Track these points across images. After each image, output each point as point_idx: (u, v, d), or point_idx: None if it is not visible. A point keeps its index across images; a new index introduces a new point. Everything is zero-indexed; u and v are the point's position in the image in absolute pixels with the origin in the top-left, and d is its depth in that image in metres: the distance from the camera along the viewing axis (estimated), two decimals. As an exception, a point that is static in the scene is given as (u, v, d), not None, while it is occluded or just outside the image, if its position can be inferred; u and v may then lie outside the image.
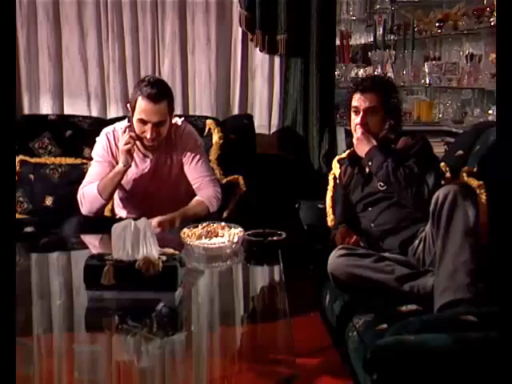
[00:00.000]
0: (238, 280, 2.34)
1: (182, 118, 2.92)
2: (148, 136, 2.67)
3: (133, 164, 2.79)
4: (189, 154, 2.81)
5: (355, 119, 2.55)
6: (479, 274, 2.07)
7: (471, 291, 2.03)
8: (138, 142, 2.73)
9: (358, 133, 2.54)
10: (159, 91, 2.65)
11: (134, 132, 2.70)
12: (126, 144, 2.68)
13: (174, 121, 2.86)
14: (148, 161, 2.82)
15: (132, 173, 2.82)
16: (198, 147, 2.84)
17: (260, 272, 2.41)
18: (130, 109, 2.74)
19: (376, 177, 2.51)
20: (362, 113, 2.53)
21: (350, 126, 2.65)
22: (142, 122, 2.66)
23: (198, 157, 2.82)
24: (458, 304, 2.01)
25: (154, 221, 2.50)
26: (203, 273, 2.29)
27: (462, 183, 2.49)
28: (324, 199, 2.98)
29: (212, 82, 3.71)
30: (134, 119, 2.69)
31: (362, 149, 2.53)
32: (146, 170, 2.83)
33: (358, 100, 2.54)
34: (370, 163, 2.51)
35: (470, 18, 3.74)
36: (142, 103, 2.65)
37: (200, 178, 2.81)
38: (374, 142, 2.51)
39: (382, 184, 2.51)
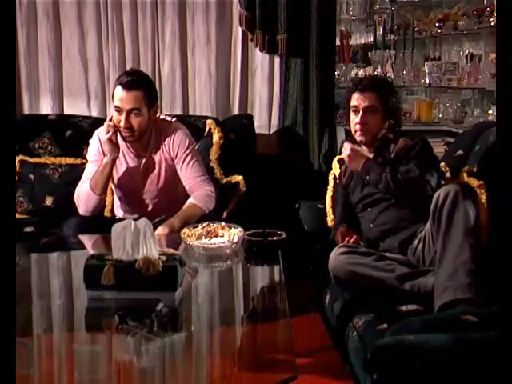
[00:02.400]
0: (238, 280, 2.34)
1: (174, 119, 2.92)
2: (122, 125, 2.67)
3: (123, 162, 2.80)
4: (180, 154, 2.79)
5: (354, 119, 2.55)
6: (479, 273, 2.07)
7: (471, 291, 2.03)
8: (120, 141, 2.74)
9: (347, 149, 2.52)
10: (133, 79, 2.68)
11: (113, 121, 2.72)
12: (107, 133, 2.69)
13: (162, 117, 2.87)
14: (138, 160, 2.82)
15: (123, 171, 2.82)
16: (189, 147, 2.81)
17: (260, 272, 2.41)
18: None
19: (377, 189, 2.49)
20: (361, 112, 2.53)
21: (349, 126, 2.65)
22: (118, 110, 2.68)
23: (189, 157, 2.79)
24: (458, 304, 2.01)
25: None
26: (197, 271, 2.28)
27: (462, 183, 2.48)
28: (324, 199, 2.98)
29: (212, 82, 3.71)
30: (113, 109, 2.72)
31: (356, 165, 2.53)
32: (137, 169, 2.82)
33: (357, 99, 2.54)
34: (367, 177, 2.50)
35: (469, 17, 3.74)
36: (117, 91, 2.68)
37: (191, 178, 2.78)
38: (367, 154, 2.49)
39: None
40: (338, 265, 2.33)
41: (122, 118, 2.66)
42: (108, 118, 2.77)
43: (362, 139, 2.57)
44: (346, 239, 2.53)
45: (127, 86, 2.65)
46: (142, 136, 2.74)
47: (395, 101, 2.61)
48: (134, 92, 2.66)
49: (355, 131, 2.56)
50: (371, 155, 2.58)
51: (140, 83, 2.69)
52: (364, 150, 2.61)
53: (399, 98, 2.73)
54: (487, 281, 2.06)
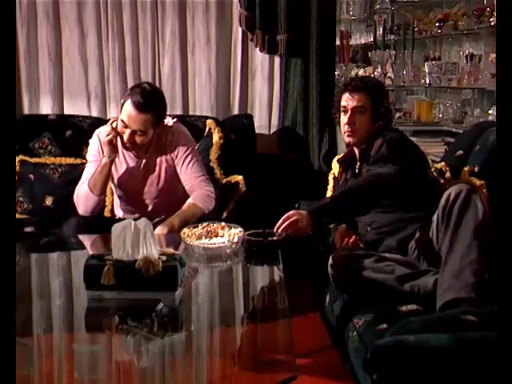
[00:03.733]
0: (238, 280, 2.34)
1: (175, 119, 2.91)
2: (125, 139, 2.68)
3: (123, 162, 2.81)
4: (180, 155, 2.79)
5: (343, 119, 2.54)
6: (483, 274, 2.07)
7: (475, 291, 2.02)
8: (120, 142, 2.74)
9: (280, 227, 2.30)
10: (146, 102, 2.64)
11: (116, 126, 2.71)
12: (108, 135, 2.70)
13: (165, 121, 2.84)
14: (138, 160, 2.82)
15: (123, 171, 2.82)
16: (189, 148, 2.81)
17: (260, 272, 2.40)
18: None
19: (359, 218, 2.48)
20: (349, 112, 2.51)
21: (339, 127, 2.64)
22: (124, 124, 2.67)
23: (189, 158, 2.79)
24: (461, 303, 2.01)
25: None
26: (197, 271, 2.28)
27: (471, 182, 2.46)
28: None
29: (212, 82, 3.72)
30: (119, 117, 2.71)
31: (305, 228, 2.33)
32: (137, 170, 2.82)
33: (346, 100, 2.53)
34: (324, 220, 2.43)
35: (469, 17, 3.74)
36: (127, 107, 2.65)
37: (191, 179, 2.79)
38: (303, 215, 2.33)
39: None
40: (337, 267, 2.32)
41: (126, 133, 2.67)
42: (110, 121, 2.76)
43: (350, 140, 2.56)
44: (346, 240, 2.52)
45: (138, 108, 2.62)
46: (141, 146, 2.75)
47: (385, 102, 2.58)
48: (144, 115, 2.64)
49: (344, 132, 2.56)
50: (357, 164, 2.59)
51: (152, 106, 2.66)
52: (355, 150, 2.61)
53: (390, 99, 2.69)
54: (488, 280, 2.06)
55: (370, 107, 2.51)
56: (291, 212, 2.34)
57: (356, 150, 2.60)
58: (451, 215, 2.12)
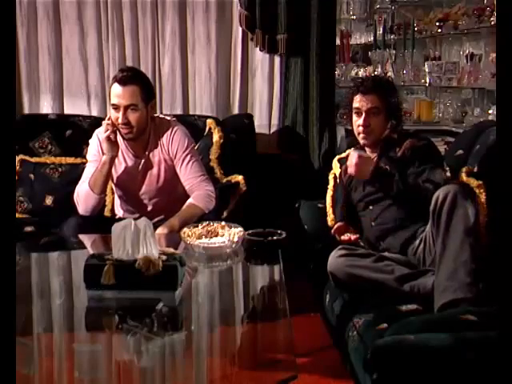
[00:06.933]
0: (238, 280, 2.34)
1: (174, 118, 2.92)
2: (119, 121, 2.67)
3: (122, 162, 2.80)
4: (179, 155, 2.79)
5: (357, 120, 2.54)
6: (479, 273, 2.07)
7: (471, 291, 2.04)
8: (120, 140, 2.74)
9: (354, 157, 2.42)
10: (129, 75, 2.69)
11: (111, 121, 2.72)
12: (105, 132, 2.70)
13: (161, 116, 2.86)
14: (136, 160, 2.82)
15: (122, 171, 2.82)
16: (188, 147, 2.81)
17: (260, 272, 2.41)
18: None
19: (387, 194, 2.47)
20: (364, 114, 2.51)
21: (351, 126, 2.64)
22: (115, 107, 2.68)
23: (188, 157, 2.79)
24: (459, 303, 2.01)
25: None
26: (197, 271, 2.29)
27: (461, 183, 2.48)
28: (324, 199, 2.98)
29: (212, 81, 3.72)
30: (111, 107, 2.73)
31: (363, 174, 2.43)
32: (136, 169, 2.82)
33: (359, 102, 2.53)
34: (377, 185, 2.46)
35: (470, 17, 3.74)
36: (114, 88, 2.69)
37: (191, 179, 2.78)
38: (373, 160, 2.45)
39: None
40: (337, 267, 2.33)
41: (120, 114, 2.67)
42: (107, 118, 2.77)
43: (365, 142, 2.57)
44: (346, 235, 2.52)
45: (123, 82, 2.66)
46: (140, 133, 2.74)
47: (396, 101, 2.60)
48: (130, 87, 2.66)
49: (358, 133, 2.56)
50: (374, 157, 2.58)
51: (135, 78, 2.70)
52: (367, 151, 2.61)
53: (400, 99, 2.71)
54: (487, 280, 2.06)
55: (384, 107, 2.52)
56: (359, 157, 2.40)
57: (368, 150, 2.60)
58: (441, 217, 2.13)
